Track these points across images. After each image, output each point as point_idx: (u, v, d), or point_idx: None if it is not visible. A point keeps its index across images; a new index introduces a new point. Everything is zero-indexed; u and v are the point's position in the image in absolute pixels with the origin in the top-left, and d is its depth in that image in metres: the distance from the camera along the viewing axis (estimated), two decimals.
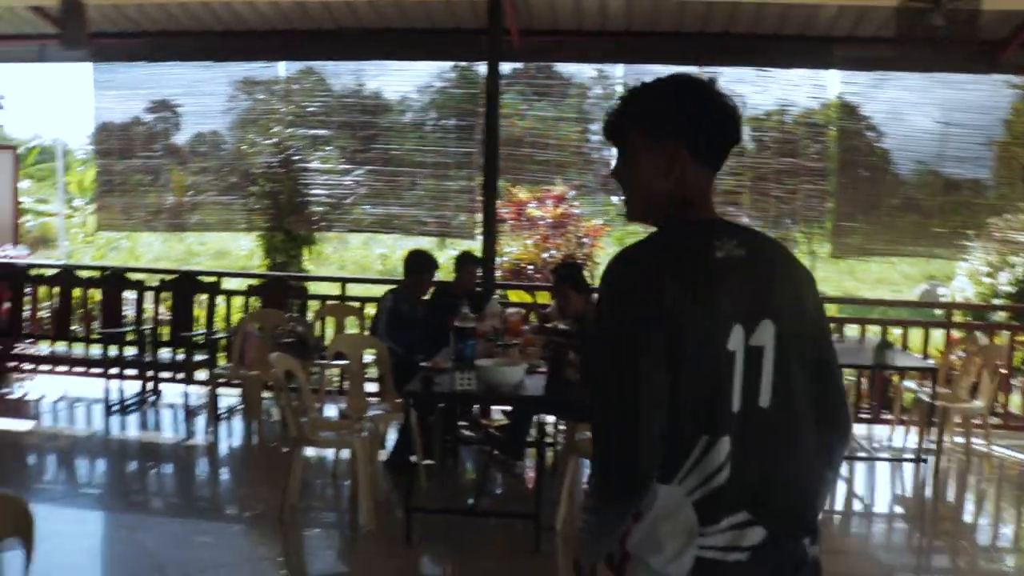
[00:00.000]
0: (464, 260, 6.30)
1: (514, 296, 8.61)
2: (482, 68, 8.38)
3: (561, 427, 5.80)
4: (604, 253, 9.99)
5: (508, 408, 5.41)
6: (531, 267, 9.65)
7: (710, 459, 1.62)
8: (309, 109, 10.08)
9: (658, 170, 1.73)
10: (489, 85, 7.01)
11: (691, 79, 1.76)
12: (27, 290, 7.99)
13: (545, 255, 9.62)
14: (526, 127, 9.77)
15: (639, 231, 2.00)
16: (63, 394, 7.60)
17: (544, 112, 10.00)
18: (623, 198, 1.82)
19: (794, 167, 9.09)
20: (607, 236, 10.39)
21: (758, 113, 9.20)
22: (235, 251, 14.85)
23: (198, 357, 7.21)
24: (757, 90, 8.89)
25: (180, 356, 7.24)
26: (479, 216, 8.04)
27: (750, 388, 1.64)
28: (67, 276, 8.02)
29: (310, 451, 5.52)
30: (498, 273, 8.06)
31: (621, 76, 9.44)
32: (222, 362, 7.27)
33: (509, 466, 5.49)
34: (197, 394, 7.26)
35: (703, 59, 7.88)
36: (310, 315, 7.56)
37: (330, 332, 7.26)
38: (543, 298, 7.70)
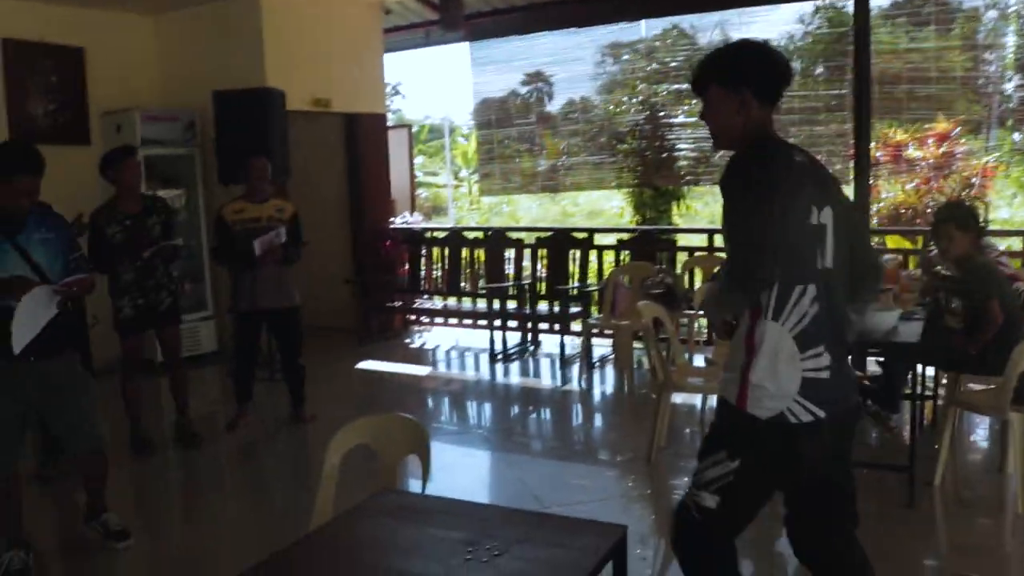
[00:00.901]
0: None
1: (892, 242, 7.99)
2: (849, 6, 7.79)
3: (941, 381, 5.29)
4: (999, 197, 8.86)
5: (882, 359, 5.00)
6: (910, 211, 8.86)
7: (803, 303, 2.26)
8: (672, 64, 10.05)
9: (733, 112, 2.33)
10: (857, 21, 6.52)
11: (750, 42, 2.43)
12: (423, 252, 8.86)
13: (927, 199, 8.78)
14: (904, 65, 8.94)
15: None
16: (454, 343, 8.40)
17: (925, 44, 9.08)
18: (711, 134, 2.44)
19: None
20: (1002, 176, 9.18)
21: None
22: (607, 210, 15.33)
23: (573, 309, 7.53)
24: None
25: (556, 308, 7.61)
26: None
27: (823, 252, 2.29)
28: (456, 238, 8.77)
29: (678, 398, 5.55)
30: (874, 220, 7.49)
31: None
32: (595, 313, 7.55)
33: (883, 419, 5.10)
34: (572, 344, 7.62)
35: None
36: (678, 267, 7.58)
37: (699, 283, 7.24)
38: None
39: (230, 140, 6.88)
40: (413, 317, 9.03)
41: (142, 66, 7.85)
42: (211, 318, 7.79)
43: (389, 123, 9.27)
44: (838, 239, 2.32)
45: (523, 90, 11.85)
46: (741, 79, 2.33)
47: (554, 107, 11.86)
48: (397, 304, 8.70)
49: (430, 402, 6.75)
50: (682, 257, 7.76)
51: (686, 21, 9.99)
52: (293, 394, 5.86)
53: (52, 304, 3.57)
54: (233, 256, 5.56)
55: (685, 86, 9.83)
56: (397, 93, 19.15)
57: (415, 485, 4.07)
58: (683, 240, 8.31)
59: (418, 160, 16.28)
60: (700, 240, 8.21)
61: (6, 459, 3.71)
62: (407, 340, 8.66)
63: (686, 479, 3.44)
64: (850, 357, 2.51)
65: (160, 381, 6.04)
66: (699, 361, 6.75)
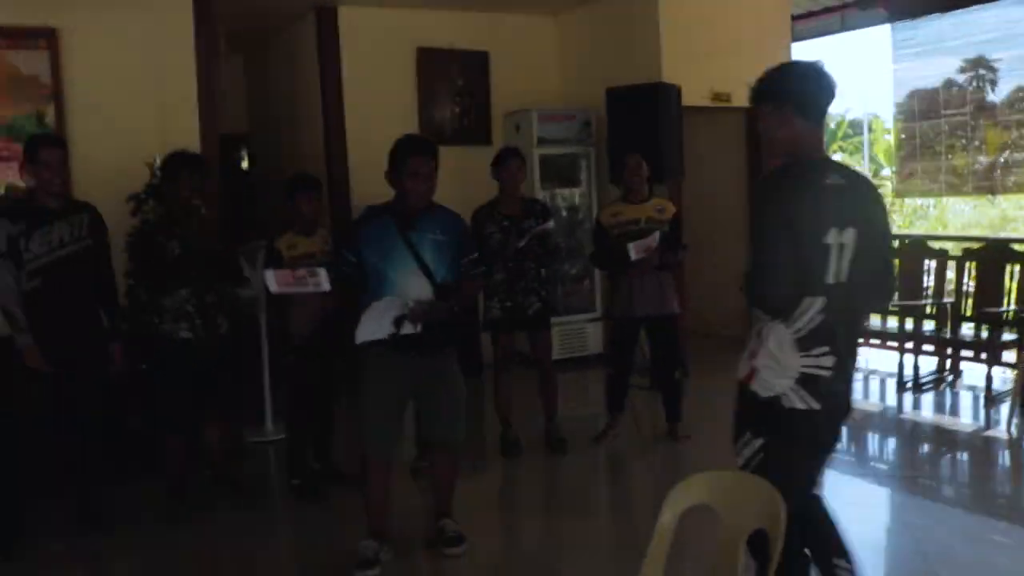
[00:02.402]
0: None
1: None
2: None
3: None
4: None
5: None
6: None
7: (810, 312, 2.51)
8: None
9: (777, 125, 2.59)
10: None
11: (798, 63, 2.87)
12: None
13: None
14: None
15: None
16: (857, 365, 7.41)
17: None
18: (764, 144, 2.72)
19: None
20: None
21: None
22: None
23: (1006, 336, 6.29)
24: None
25: (984, 334, 6.42)
26: None
27: (837, 268, 2.51)
28: None
29: None
30: None
31: None
32: None
33: None
34: (1002, 378, 6.37)
35: None
36: None
37: None
38: None
39: (621, 138, 6.70)
40: None
41: (542, 67, 7.95)
42: (598, 319, 7.67)
43: None
44: (858, 256, 2.52)
45: (958, 78, 10.34)
46: (782, 97, 2.57)
47: (998, 95, 10.18)
48: None
49: None
50: None
51: None
52: (668, 409, 5.49)
53: (399, 309, 3.58)
54: (608, 261, 5.31)
55: None
56: None
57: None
58: None
59: (836, 156, 15.09)
60: None
61: (385, 444, 3.80)
62: None
63: None
64: None
65: None
66: None
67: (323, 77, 7.10)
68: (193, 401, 4.38)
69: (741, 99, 7.50)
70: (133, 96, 5.80)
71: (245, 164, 9.64)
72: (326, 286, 4.01)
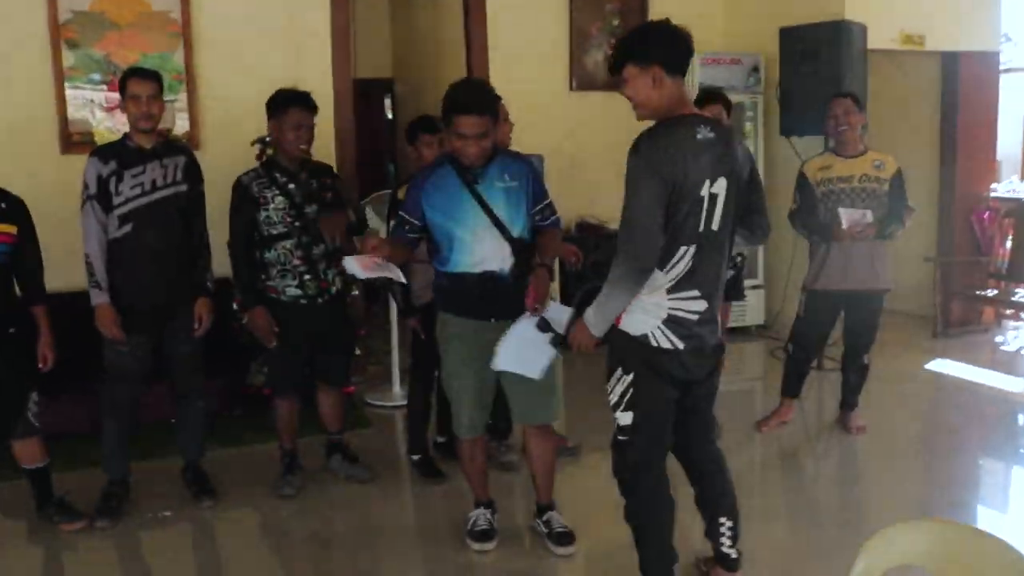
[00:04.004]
0: None
1: None
2: None
3: None
4: None
5: None
6: None
7: (684, 259, 2.65)
8: None
9: (648, 86, 2.64)
10: None
11: (655, 23, 2.75)
12: None
13: None
14: None
15: None
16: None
17: None
18: (633, 107, 2.73)
19: None
20: None
21: None
22: None
23: None
24: None
25: None
26: None
27: (708, 218, 2.65)
28: None
29: None
30: None
31: None
32: None
33: None
34: None
35: None
36: None
37: None
38: None
39: (795, 85, 5.93)
40: (1009, 311, 7.12)
41: (705, 5, 7.14)
42: (760, 287, 6.92)
43: (1002, 66, 7.37)
44: (727, 205, 2.68)
45: None
46: (652, 56, 2.62)
47: None
48: (989, 293, 6.94)
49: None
50: None
51: None
52: (846, 395, 4.75)
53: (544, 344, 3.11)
54: (815, 224, 4.58)
55: None
56: (1007, 39, 15.92)
57: None
58: None
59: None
60: None
61: (475, 425, 3.45)
62: (997, 339, 6.86)
63: None
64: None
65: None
66: None
67: (467, 17, 6.58)
68: (304, 363, 4.02)
69: (938, 42, 6.57)
70: (263, 34, 5.51)
71: (389, 112, 9.32)
72: (401, 278, 3.46)
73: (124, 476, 3.95)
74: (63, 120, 5.10)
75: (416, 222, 3.27)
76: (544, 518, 3.59)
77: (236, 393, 5.08)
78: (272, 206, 3.83)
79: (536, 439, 3.51)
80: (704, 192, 2.63)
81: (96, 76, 5.14)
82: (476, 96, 3.19)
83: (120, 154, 3.70)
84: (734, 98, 6.58)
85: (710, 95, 4.33)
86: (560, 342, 3.02)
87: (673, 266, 2.66)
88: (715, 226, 2.69)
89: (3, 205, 3.52)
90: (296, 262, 3.86)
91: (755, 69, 6.70)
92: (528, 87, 6.36)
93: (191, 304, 3.86)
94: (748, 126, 6.76)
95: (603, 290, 2.71)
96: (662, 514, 2.92)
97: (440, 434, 4.49)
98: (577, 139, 6.65)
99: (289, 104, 3.80)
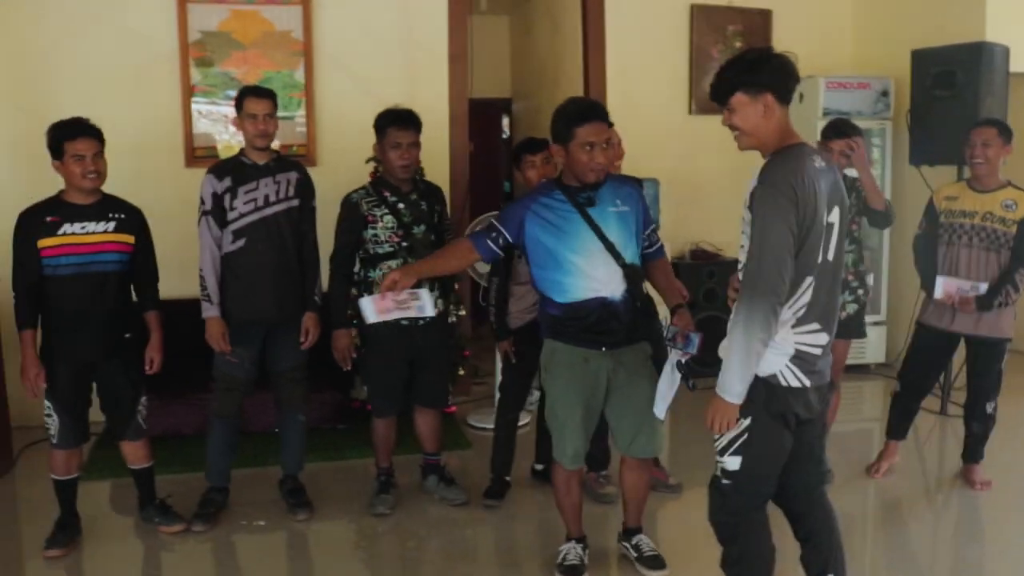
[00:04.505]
0: None
1: None
2: None
3: None
4: None
5: None
6: None
7: (807, 292, 2.54)
8: None
9: (759, 114, 2.56)
10: None
11: (761, 50, 2.65)
12: None
13: None
14: None
15: None
16: None
17: None
18: (736, 136, 2.67)
19: None
20: None
21: None
22: None
23: None
24: None
25: None
26: None
27: (826, 248, 2.57)
28: None
29: None
30: None
31: None
32: None
33: None
34: None
35: None
36: None
37: None
38: None
39: (927, 111, 5.63)
40: None
41: (833, 27, 6.88)
42: (882, 323, 6.59)
43: None
44: (840, 235, 2.62)
45: None
46: (763, 85, 2.55)
47: None
48: None
49: None
50: None
51: None
52: (969, 447, 4.42)
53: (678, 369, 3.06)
54: (922, 266, 4.34)
55: None
56: None
57: None
58: None
59: None
60: None
61: (581, 452, 3.35)
62: None
63: None
64: None
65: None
66: None
67: (585, 37, 6.53)
68: (404, 384, 4.03)
69: None
70: (381, 53, 5.62)
71: (507, 131, 9.36)
72: (430, 311, 3.46)
73: (224, 484, 4.04)
74: (188, 135, 5.31)
75: (507, 236, 3.24)
76: (633, 541, 3.53)
77: (341, 407, 5.15)
78: (380, 225, 3.86)
79: (634, 469, 3.44)
80: (826, 220, 2.56)
81: (220, 93, 5.33)
82: (596, 105, 3.24)
83: (235, 170, 3.81)
84: (861, 124, 6.35)
85: (838, 128, 4.19)
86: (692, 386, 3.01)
87: (797, 299, 2.54)
88: (831, 256, 2.59)
89: (122, 215, 3.65)
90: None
91: (884, 94, 6.41)
92: (646, 110, 6.28)
93: (299, 318, 3.92)
94: (875, 153, 6.46)
95: (735, 339, 2.49)
96: (763, 565, 2.77)
97: (538, 461, 4.42)
98: (695, 164, 6.50)
99: (389, 123, 3.83)
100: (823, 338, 2.60)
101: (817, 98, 6.28)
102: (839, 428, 4.88)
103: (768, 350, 2.51)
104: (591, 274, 3.14)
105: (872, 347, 6.51)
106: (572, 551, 3.47)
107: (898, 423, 4.51)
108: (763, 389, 2.56)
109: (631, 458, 3.40)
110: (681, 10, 6.56)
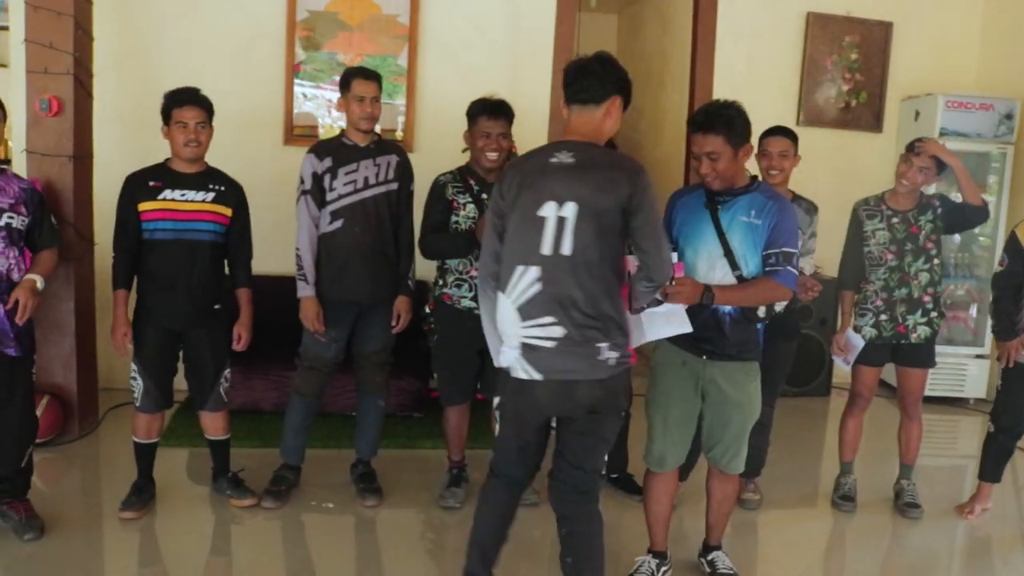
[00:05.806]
0: None
1: None
2: None
3: None
4: None
5: None
6: None
7: (524, 280, 2.61)
8: None
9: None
10: None
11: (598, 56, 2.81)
12: None
13: None
14: None
15: None
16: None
17: None
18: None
19: None
20: None
21: None
22: None
23: None
24: None
25: None
26: None
27: (557, 241, 2.58)
28: None
29: None
30: None
31: None
32: None
33: None
34: None
35: None
36: None
37: None
38: None
39: None
40: None
41: (957, 43, 6.58)
42: (984, 356, 6.27)
43: None
44: (580, 231, 2.57)
45: None
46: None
47: None
48: None
49: None
50: None
51: None
52: None
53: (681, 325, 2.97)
54: (997, 313, 4.09)
55: None
56: None
57: None
58: None
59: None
60: None
61: (667, 456, 3.23)
62: None
63: None
64: None
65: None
66: None
67: (695, 39, 6.36)
68: (475, 374, 3.98)
69: None
70: (486, 42, 5.57)
71: None
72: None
73: (298, 463, 4.04)
74: (288, 112, 5.35)
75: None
76: (709, 557, 3.43)
77: (419, 396, 5.12)
78: (463, 212, 3.81)
79: (720, 481, 3.34)
80: (545, 212, 2.66)
81: (323, 73, 5.35)
82: (706, 116, 3.04)
83: (336, 151, 3.79)
84: (979, 147, 6.06)
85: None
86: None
87: (514, 287, 2.67)
88: (566, 250, 2.64)
89: (222, 188, 3.68)
90: (473, 272, 3.81)
91: (1008, 116, 6.09)
92: (752, 119, 6.06)
93: (390, 302, 3.90)
94: (992, 179, 6.15)
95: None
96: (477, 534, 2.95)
97: (611, 471, 4.32)
98: (800, 175, 6.28)
99: (480, 112, 3.78)
100: (558, 331, 2.58)
101: (935, 117, 6.02)
102: (932, 462, 4.65)
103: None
104: (703, 275, 3.03)
105: (972, 381, 6.21)
106: (645, 565, 3.37)
107: (992, 465, 4.25)
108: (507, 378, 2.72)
109: (717, 468, 3.31)
110: (796, 17, 6.37)
